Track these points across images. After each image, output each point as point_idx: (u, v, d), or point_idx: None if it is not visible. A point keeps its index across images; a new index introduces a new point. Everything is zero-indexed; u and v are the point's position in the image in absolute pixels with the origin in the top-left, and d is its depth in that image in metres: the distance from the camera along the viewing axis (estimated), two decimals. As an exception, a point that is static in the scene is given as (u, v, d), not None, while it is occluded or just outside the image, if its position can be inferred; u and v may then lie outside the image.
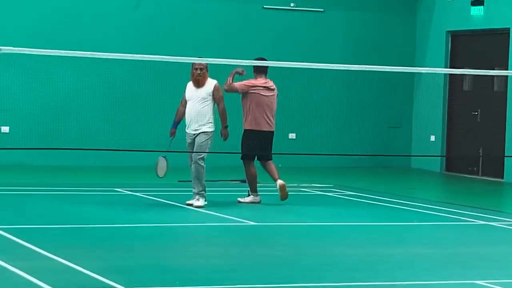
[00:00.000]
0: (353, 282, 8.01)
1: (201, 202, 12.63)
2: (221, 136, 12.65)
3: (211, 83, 12.84)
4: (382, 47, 20.82)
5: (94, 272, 7.74)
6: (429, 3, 21.12)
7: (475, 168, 19.69)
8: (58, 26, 18.44)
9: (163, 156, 13.61)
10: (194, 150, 12.85)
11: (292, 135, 20.52)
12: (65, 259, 8.55)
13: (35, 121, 17.94)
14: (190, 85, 13.16)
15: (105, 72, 17.68)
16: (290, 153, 19.21)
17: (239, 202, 12.87)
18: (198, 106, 13.04)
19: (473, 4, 19.16)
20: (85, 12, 18.72)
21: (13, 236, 9.88)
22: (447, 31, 20.57)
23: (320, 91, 20.10)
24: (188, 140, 13.03)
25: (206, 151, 13.04)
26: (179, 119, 13.45)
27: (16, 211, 12.36)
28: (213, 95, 12.89)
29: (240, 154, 13.34)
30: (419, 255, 9.66)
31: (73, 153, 17.40)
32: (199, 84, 12.95)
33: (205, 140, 12.97)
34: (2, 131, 17.38)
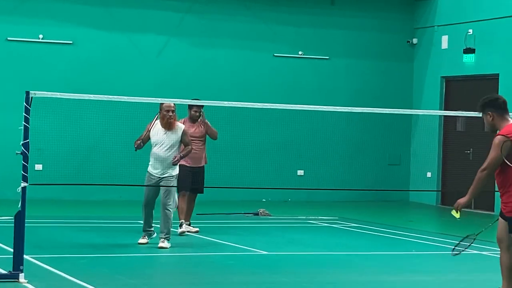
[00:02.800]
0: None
1: (167, 244, 12.03)
2: (174, 158, 11.80)
3: (180, 128, 12.30)
4: (382, 92, 20.89)
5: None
6: (425, 52, 21.37)
7: (468, 202, 18.93)
8: (87, 72, 19.05)
9: None
10: (161, 194, 12.17)
11: (300, 172, 20.62)
12: (93, 286, 8.65)
13: (66, 159, 18.14)
14: (157, 127, 12.28)
15: (129, 115, 17.80)
16: (298, 188, 19.34)
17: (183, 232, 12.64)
18: (168, 152, 12.28)
19: (465, 52, 19.33)
20: (111, 59, 19.36)
21: (46, 264, 9.99)
22: (441, 77, 20.76)
23: (326, 132, 20.16)
24: (150, 181, 12.28)
25: (174, 195, 12.51)
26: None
27: (49, 241, 12.42)
28: (181, 139, 12.21)
29: (199, 188, 13.15)
30: (417, 282, 9.71)
31: (101, 188, 17.50)
32: (170, 127, 12.26)
33: (173, 184, 12.36)
34: (36, 169, 17.48)
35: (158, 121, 12.10)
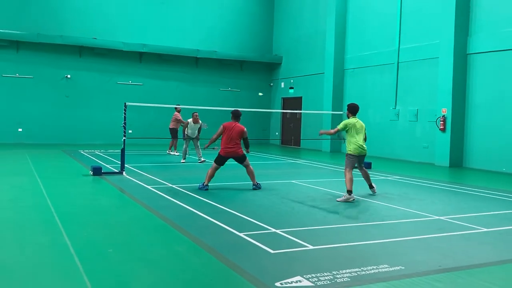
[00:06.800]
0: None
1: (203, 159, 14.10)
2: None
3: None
4: (258, 105, 29.48)
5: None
6: (275, 88, 30.22)
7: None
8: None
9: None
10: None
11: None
12: (161, 179, 10.87)
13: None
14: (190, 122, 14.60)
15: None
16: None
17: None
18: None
19: (290, 88, 28.52)
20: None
21: (135, 168, 12.93)
22: (281, 97, 29.97)
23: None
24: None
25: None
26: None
27: (136, 161, 15.34)
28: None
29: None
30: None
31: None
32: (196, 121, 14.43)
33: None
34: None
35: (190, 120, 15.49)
